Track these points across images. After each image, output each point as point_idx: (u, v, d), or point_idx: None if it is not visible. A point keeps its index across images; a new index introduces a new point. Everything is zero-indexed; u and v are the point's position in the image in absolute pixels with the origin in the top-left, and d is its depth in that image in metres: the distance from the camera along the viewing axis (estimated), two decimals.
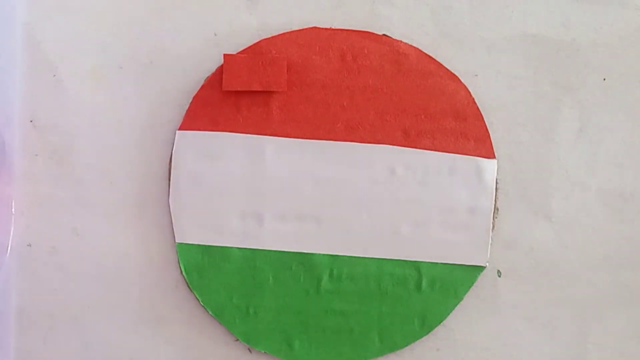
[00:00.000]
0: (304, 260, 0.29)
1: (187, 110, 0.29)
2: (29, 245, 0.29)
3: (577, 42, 0.29)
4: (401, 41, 0.30)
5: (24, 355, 0.29)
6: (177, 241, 0.29)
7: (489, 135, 0.29)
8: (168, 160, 0.29)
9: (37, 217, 0.29)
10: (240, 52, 0.29)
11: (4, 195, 0.29)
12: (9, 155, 0.29)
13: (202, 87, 0.29)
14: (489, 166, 0.29)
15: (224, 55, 0.29)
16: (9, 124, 0.29)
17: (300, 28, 0.30)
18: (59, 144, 0.30)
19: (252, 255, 0.29)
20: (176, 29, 0.30)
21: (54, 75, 0.30)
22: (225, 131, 0.29)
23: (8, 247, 0.29)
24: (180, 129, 0.29)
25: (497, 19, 0.30)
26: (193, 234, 0.29)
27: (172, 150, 0.29)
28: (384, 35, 0.30)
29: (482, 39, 0.30)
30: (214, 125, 0.29)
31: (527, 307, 0.29)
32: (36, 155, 0.30)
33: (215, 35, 0.30)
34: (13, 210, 0.29)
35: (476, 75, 0.30)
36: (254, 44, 0.29)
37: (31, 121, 0.30)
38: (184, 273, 0.29)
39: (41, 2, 0.30)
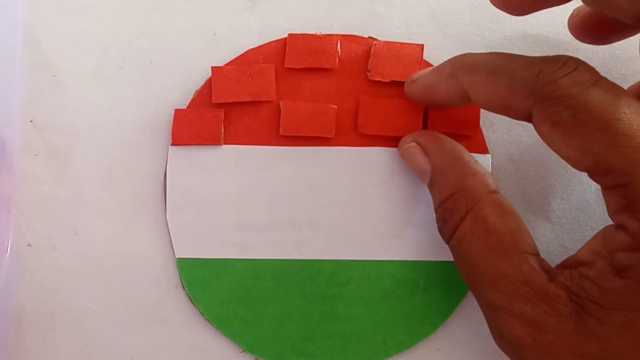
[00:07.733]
0: (305, 267, 0.29)
1: (175, 126, 0.29)
2: (29, 245, 0.29)
3: (577, 42, 0.29)
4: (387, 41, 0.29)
5: (24, 355, 0.29)
6: (176, 256, 0.29)
7: (481, 130, 0.29)
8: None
9: (37, 217, 0.29)
10: (228, 64, 0.29)
11: (4, 195, 0.29)
12: (9, 155, 0.29)
13: (192, 100, 0.29)
14: (483, 161, 0.29)
15: (212, 67, 0.29)
16: (9, 124, 0.29)
17: (300, 28, 0.30)
18: (59, 144, 0.30)
19: (253, 266, 0.29)
20: (176, 29, 0.30)
21: (54, 75, 0.30)
22: (217, 144, 0.29)
23: (8, 247, 0.29)
24: (172, 144, 0.29)
25: (497, 19, 0.30)
26: (192, 249, 0.29)
27: (165, 166, 0.29)
28: (370, 37, 0.30)
29: (482, 39, 0.30)
30: (206, 138, 0.29)
31: None
32: (36, 155, 0.30)
33: (215, 35, 0.30)
34: (13, 210, 0.29)
35: None
36: (241, 55, 0.29)
37: (31, 121, 0.30)
38: (185, 288, 0.29)
39: (41, 2, 0.30)
